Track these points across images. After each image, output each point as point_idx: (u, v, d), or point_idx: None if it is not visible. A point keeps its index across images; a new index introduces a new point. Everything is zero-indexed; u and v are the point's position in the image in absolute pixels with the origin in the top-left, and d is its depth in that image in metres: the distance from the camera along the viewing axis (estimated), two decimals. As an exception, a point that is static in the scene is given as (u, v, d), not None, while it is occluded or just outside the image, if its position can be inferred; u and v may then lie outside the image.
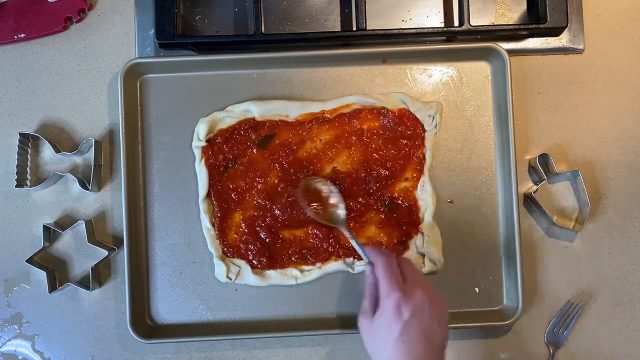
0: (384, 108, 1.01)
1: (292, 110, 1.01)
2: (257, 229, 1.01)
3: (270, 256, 1.01)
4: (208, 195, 1.01)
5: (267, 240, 1.01)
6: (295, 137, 1.01)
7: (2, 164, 0.97)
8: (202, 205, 1.01)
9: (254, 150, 1.01)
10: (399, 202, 1.01)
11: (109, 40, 1.03)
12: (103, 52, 1.02)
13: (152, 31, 1.02)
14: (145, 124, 1.03)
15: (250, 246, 1.00)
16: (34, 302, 1.00)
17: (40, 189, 0.98)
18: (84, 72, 1.02)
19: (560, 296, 1.03)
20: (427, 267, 1.00)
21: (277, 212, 1.01)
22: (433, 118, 1.01)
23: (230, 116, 1.01)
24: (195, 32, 1.03)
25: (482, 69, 1.04)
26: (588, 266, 1.04)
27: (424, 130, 1.02)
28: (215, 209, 1.01)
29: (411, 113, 1.02)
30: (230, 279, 1.00)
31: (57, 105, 1.00)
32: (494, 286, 1.02)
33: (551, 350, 1.02)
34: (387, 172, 1.01)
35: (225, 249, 1.01)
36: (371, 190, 1.01)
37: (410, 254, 1.01)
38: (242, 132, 1.01)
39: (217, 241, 1.01)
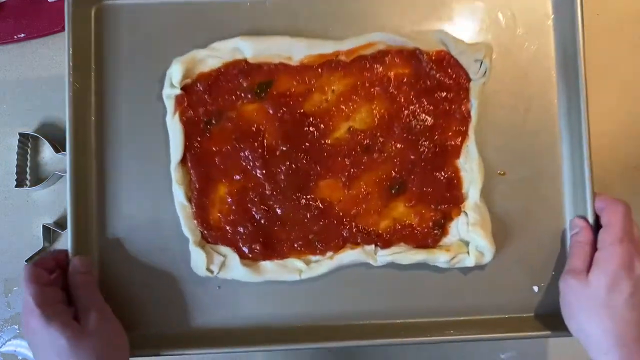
0: (417, 50, 0.88)
1: (297, 51, 0.88)
2: (249, 205, 0.88)
3: (265, 242, 0.89)
4: (183, 160, 0.88)
5: (261, 221, 0.88)
6: (300, 86, 0.89)
7: (1, 164, 1.00)
8: (175, 174, 0.88)
9: (246, 102, 0.89)
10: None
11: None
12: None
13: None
14: (101, 66, 0.91)
15: (239, 229, 0.88)
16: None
17: (40, 189, 0.98)
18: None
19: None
20: (472, 258, 0.87)
21: (275, 182, 0.89)
22: (481, 64, 0.88)
23: (215, 56, 0.89)
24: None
25: (540, 3, 0.91)
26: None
27: (469, 80, 0.89)
28: (193, 179, 0.89)
29: (452, 57, 0.89)
30: (212, 272, 0.88)
31: (57, 106, 0.96)
32: (557, 284, 0.87)
33: None
34: (430, 123, 0.88)
35: (206, 233, 0.89)
36: (412, 137, 0.88)
37: (451, 240, 0.89)
38: (229, 78, 0.89)
39: (195, 222, 0.88)
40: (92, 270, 0.85)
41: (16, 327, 0.99)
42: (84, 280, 0.81)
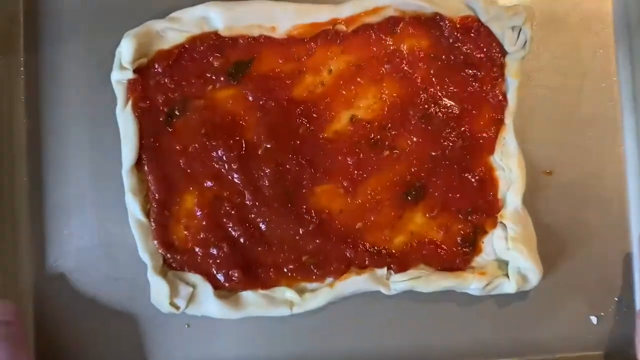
0: (437, 15, 0.78)
1: (282, 19, 0.78)
2: (224, 220, 0.77)
3: (246, 267, 0.77)
4: (139, 163, 0.77)
5: (240, 239, 0.77)
6: (288, 66, 0.79)
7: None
8: (128, 181, 0.76)
9: (218, 87, 0.78)
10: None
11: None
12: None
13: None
14: (34, 40, 0.79)
15: (211, 250, 0.77)
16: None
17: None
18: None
19: None
20: (513, 282, 0.75)
21: (258, 190, 0.78)
22: (519, 33, 0.78)
23: (177, 28, 0.78)
24: None
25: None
26: None
27: (504, 54, 0.78)
28: (152, 188, 0.77)
29: (482, 24, 0.78)
30: (178, 307, 0.75)
31: None
32: (622, 314, 0.78)
33: None
34: (456, 109, 0.78)
35: (169, 256, 0.77)
36: (432, 129, 0.77)
37: (485, 260, 0.77)
38: (196, 57, 0.78)
39: (155, 243, 0.77)
40: (18, 319, 0.71)
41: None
42: (5, 334, 0.67)
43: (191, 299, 0.76)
